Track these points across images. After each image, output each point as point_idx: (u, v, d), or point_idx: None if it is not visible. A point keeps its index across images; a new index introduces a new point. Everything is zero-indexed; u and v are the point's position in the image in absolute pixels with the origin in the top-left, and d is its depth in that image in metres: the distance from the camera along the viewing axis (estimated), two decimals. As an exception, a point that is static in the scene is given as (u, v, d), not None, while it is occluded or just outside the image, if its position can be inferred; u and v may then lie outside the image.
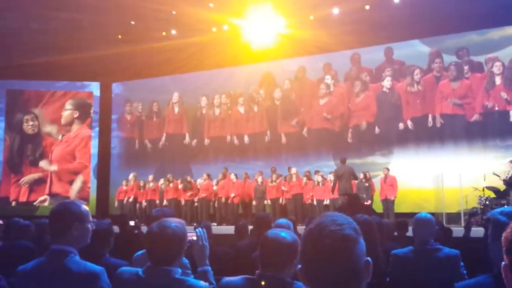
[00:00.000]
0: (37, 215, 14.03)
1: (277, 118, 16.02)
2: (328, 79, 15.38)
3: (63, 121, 18.02)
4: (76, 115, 18.10)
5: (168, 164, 17.02)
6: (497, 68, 13.22)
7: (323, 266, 1.28)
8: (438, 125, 13.72)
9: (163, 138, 17.63)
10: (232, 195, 14.20)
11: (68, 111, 18.08)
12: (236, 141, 16.47)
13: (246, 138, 16.29)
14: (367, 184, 12.79)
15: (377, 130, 14.45)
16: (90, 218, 2.58)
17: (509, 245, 1.36)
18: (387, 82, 14.51)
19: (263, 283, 2.33)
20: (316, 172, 13.76)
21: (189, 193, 14.85)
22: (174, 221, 2.45)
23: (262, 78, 16.34)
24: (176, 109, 17.60)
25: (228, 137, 16.51)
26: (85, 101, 18.29)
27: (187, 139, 17.26)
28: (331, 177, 13.12)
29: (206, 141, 16.86)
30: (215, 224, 13.11)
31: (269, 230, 2.50)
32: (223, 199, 14.28)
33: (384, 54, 14.75)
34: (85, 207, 2.58)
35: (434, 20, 13.44)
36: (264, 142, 16.05)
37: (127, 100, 18.46)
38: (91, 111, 18.26)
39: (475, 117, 13.32)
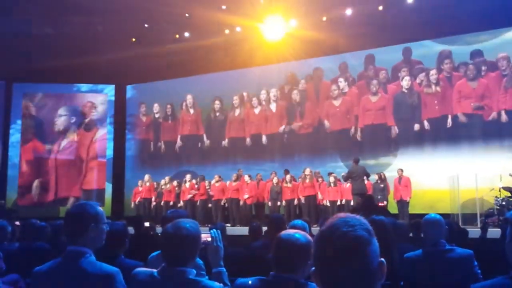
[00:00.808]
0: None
1: (291, 118, 16.05)
2: (341, 81, 15.33)
3: (59, 127, 18.13)
4: (72, 120, 18.20)
5: (183, 165, 17.10)
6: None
7: (336, 268, 1.28)
8: (456, 125, 13.60)
9: (178, 140, 17.70)
10: (246, 196, 14.23)
11: (63, 117, 18.20)
12: (251, 142, 16.48)
13: (264, 138, 16.26)
14: (382, 185, 12.73)
15: (394, 130, 14.36)
16: (105, 219, 2.61)
17: None
18: (405, 82, 14.41)
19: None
20: (330, 173, 13.72)
21: (192, 192, 14.90)
22: (189, 222, 2.46)
23: (287, 78, 16.30)
24: (192, 111, 17.64)
25: (247, 139, 16.52)
26: (77, 107, 18.35)
27: (205, 140, 17.29)
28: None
29: (224, 142, 16.89)
30: (229, 225, 13.13)
31: (282, 232, 2.50)
32: (237, 200, 14.31)
33: (402, 54, 14.63)
34: (100, 208, 2.61)
35: (448, 20, 13.35)
36: (279, 142, 16.05)
37: (142, 102, 18.55)
38: (90, 115, 18.30)
39: (492, 115, 13.18)
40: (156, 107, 18.23)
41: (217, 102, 17.12)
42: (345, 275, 1.27)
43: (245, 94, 16.74)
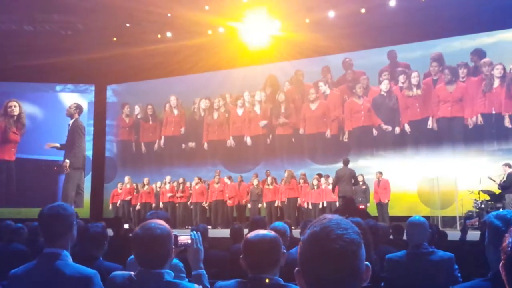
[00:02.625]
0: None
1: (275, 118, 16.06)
2: (322, 84, 15.37)
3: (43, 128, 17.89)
4: (57, 121, 17.95)
5: (165, 166, 16.99)
6: (498, 71, 13.17)
7: (328, 269, 1.28)
8: (435, 128, 13.73)
9: (162, 141, 17.55)
10: (227, 195, 14.23)
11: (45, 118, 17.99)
12: (233, 144, 16.44)
13: (248, 140, 16.23)
14: (364, 187, 12.79)
15: (374, 132, 14.45)
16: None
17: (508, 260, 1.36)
18: (384, 86, 14.51)
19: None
20: (320, 175, 13.66)
21: (179, 194, 14.84)
22: (158, 223, 2.41)
23: (266, 80, 16.30)
24: (176, 112, 17.52)
25: (228, 141, 16.46)
26: (62, 108, 18.16)
27: (186, 142, 17.18)
28: (330, 180, 13.13)
29: (205, 144, 16.78)
30: (209, 227, 13.07)
31: (247, 235, 2.51)
32: (222, 202, 14.30)
33: (387, 57, 14.71)
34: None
35: (430, 24, 13.49)
36: (261, 144, 16.04)
37: (125, 103, 18.36)
38: (75, 116, 18.08)
39: (472, 120, 13.32)
40: (137, 108, 18.08)
41: (206, 101, 16.99)
42: (336, 277, 1.28)
43: (228, 96, 16.69)
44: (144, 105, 17.93)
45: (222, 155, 16.52)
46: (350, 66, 15.13)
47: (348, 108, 14.97)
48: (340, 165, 12.81)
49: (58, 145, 17.73)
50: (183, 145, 17.17)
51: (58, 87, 18.37)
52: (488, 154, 12.99)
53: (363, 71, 14.92)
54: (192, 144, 17.08)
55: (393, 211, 12.85)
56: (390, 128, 14.34)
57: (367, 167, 14.06)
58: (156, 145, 17.59)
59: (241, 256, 2.43)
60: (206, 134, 16.81)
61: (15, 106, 17.76)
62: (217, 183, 14.49)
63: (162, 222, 2.44)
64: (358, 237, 1.32)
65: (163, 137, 17.53)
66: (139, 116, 18.08)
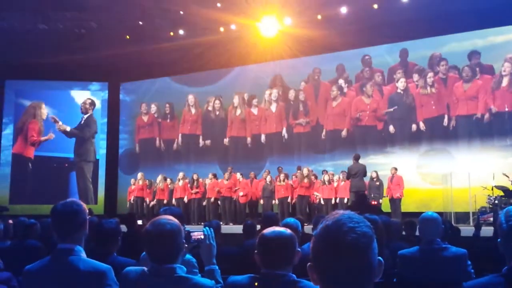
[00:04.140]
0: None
1: (288, 118, 16.05)
2: (341, 82, 15.34)
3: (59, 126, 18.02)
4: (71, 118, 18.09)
5: (181, 164, 17.07)
6: (503, 68, 13.12)
7: (341, 262, 1.28)
8: (451, 126, 13.67)
9: (179, 139, 17.61)
10: (241, 194, 14.25)
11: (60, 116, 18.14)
12: (251, 142, 16.48)
13: (263, 137, 16.26)
14: (378, 183, 12.75)
15: (391, 129, 14.40)
16: None
17: None
18: (401, 84, 14.44)
19: (256, 284, 2.34)
20: (324, 171, 13.72)
21: (194, 191, 14.88)
22: (168, 218, 2.43)
23: (278, 78, 16.32)
24: (193, 110, 17.57)
25: (248, 139, 16.49)
26: (76, 105, 18.23)
27: (203, 140, 17.24)
28: (340, 176, 13.19)
29: (225, 140, 16.80)
30: (221, 223, 13.08)
31: (263, 231, 2.51)
32: (230, 199, 14.33)
33: (399, 56, 14.66)
34: None
35: (444, 19, 13.37)
36: (277, 142, 16.06)
37: (142, 102, 18.39)
38: (89, 112, 18.22)
39: (485, 117, 13.23)
40: (144, 106, 18.15)
41: (217, 102, 17.05)
42: (348, 270, 1.28)
43: (246, 95, 16.69)
44: (161, 103, 18.01)
45: (239, 152, 16.56)
46: (369, 64, 15.08)
47: (354, 106, 14.97)
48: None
49: (68, 128, 17.91)
50: (201, 143, 17.23)
51: (72, 85, 18.47)
52: (501, 150, 12.92)
53: (380, 69, 14.89)
54: (207, 142, 17.13)
55: (406, 207, 12.81)
56: (389, 131, 14.35)
57: (381, 164, 14.03)
58: (175, 144, 17.67)
59: (256, 251, 2.44)
60: (230, 130, 16.84)
61: (44, 109, 18.06)
62: (227, 180, 14.52)
63: (172, 217, 2.45)
64: (370, 230, 1.32)
65: (180, 135, 17.60)
66: (156, 115, 18.15)
